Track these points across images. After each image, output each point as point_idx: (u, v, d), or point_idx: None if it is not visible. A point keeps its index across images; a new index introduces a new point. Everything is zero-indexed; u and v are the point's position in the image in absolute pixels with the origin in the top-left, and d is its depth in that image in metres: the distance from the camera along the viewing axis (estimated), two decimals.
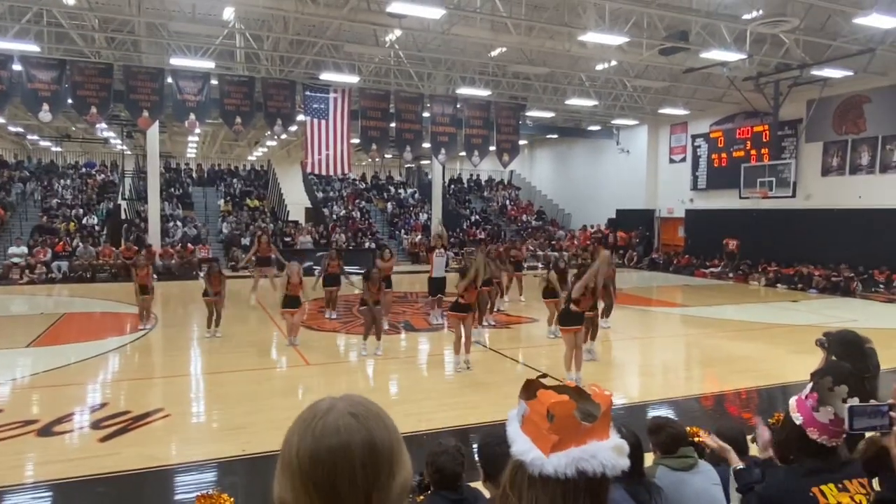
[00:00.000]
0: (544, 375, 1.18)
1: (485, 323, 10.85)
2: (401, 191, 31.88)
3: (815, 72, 17.10)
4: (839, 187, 18.99)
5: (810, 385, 1.93)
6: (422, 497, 2.77)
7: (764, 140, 21.01)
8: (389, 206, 29.53)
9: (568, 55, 17.26)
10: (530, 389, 1.14)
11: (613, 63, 18.56)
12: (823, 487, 1.77)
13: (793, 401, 1.93)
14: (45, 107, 16.03)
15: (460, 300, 8.50)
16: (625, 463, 1.08)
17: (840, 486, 1.78)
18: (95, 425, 6.11)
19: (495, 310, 12.76)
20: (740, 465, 2.14)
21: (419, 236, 26.03)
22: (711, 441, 2.27)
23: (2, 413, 6.44)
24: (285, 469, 0.98)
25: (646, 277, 22.01)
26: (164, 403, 6.78)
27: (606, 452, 1.06)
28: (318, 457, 0.94)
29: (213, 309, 10.48)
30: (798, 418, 1.87)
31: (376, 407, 1.04)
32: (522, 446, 1.09)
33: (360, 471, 0.95)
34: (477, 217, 29.81)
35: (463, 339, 8.55)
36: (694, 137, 24.25)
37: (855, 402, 1.78)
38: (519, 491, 1.11)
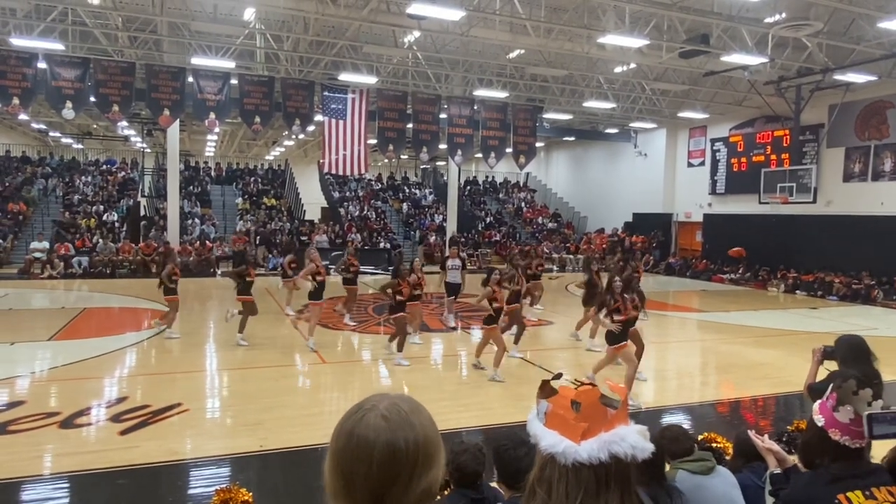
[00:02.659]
0: (559, 375, 1.22)
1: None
2: (416, 191, 31.95)
3: (838, 76, 16.89)
4: (861, 193, 18.73)
5: (831, 386, 1.91)
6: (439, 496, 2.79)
7: (784, 145, 20.77)
8: (405, 206, 29.60)
9: (586, 57, 17.21)
10: (548, 389, 1.18)
11: (632, 66, 18.47)
12: (850, 494, 1.74)
13: (816, 404, 1.93)
14: (69, 104, 16.29)
15: (494, 304, 8.12)
16: (651, 446, 1.11)
17: (867, 493, 1.75)
18: (115, 418, 6.20)
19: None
20: (777, 470, 2.12)
21: (434, 237, 26.07)
22: (759, 440, 2.25)
23: (24, 405, 6.56)
24: (329, 448, 1.10)
25: (662, 282, 21.85)
26: (183, 398, 6.86)
27: (634, 435, 1.09)
28: (346, 446, 1.05)
29: (248, 311, 9.85)
30: (820, 420, 1.86)
31: (414, 411, 1.10)
32: (551, 440, 1.11)
33: (376, 469, 1.03)
34: (492, 219, 29.78)
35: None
36: (713, 141, 24.04)
37: (876, 408, 1.77)
38: (548, 485, 1.11)
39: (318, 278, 9.56)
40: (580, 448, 1.08)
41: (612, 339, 7.48)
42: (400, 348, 8.81)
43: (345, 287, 12.26)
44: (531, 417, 1.19)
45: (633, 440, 1.08)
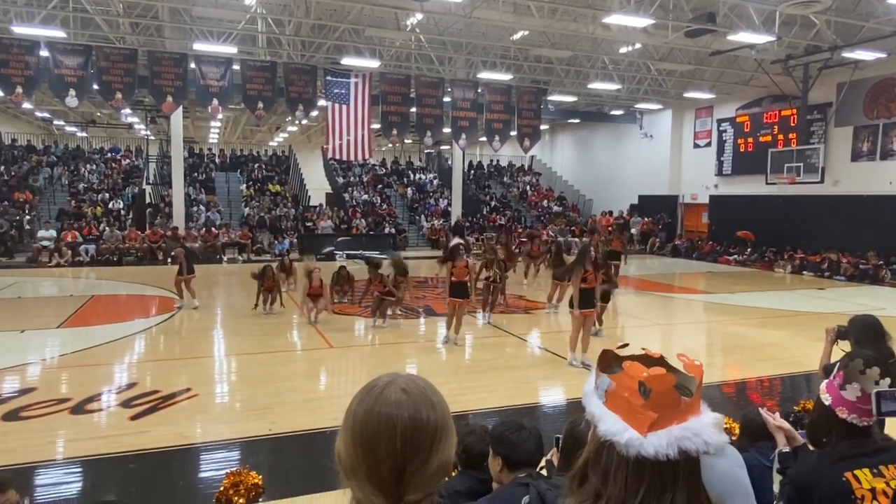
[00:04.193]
0: (625, 345, 1.12)
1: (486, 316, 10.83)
2: (421, 176, 31.88)
3: (847, 54, 16.68)
4: (869, 173, 18.57)
5: (838, 365, 1.91)
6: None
7: (792, 124, 20.58)
8: (409, 191, 29.55)
9: (591, 38, 17.04)
10: (609, 361, 1.05)
11: (638, 46, 18.29)
12: (857, 472, 1.75)
13: (823, 383, 1.93)
14: (72, 92, 16.29)
15: (452, 279, 8.84)
16: (725, 440, 1.00)
17: (875, 471, 1.75)
18: (126, 404, 6.27)
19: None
20: (786, 449, 2.13)
21: (440, 221, 26.06)
22: (770, 418, 2.24)
23: (35, 391, 6.63)
24: (345, 425, 1.10)
25: (668, 264, 21.80)
26: (192, 384, 6.92)
27: (708, 429, 0.97)
28: (368, 420, 1.06)
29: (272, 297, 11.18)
30: (827, 399, 1.86)
31: (430, 389, 1.13)
32: (612, 426, 0.99)
33: (400, 441, 1.04)
34: (497, 203, 29.71)
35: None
36: (719, 122, 23.83)
37: (883, 386, 1.77)
38: (604, 473, 1.00)
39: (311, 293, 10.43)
40: (646, 442, 0.95)
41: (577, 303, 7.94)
42: (379, 315, 10.03)
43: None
44: (587, 391, 1.06)
45: (707, 435, 0.96)
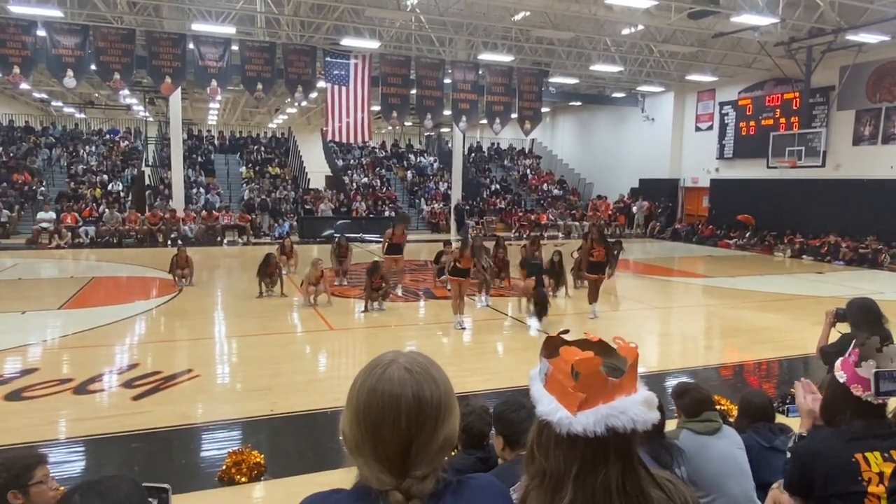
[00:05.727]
0: (566, 331, 1.16)
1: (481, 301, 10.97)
2: (421, 159, 31.75)
3: (851, 37, 16.53)
4: (871, 157, 18.50)
5: (854, 343, 1.90)
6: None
7: (794, 108, 20.47)
8: (409, 174, 29.45)
9: (593, 19, 16.89)
10: (551, 347, 1.10)
11: (640, 27, 18.12)
12: (868, 454, 1.74)
13: (839, 361, 1.91)
14: (70, 72, 16.17)
15: (457, 264, 9.02)
16: (655, 416, 1.04)
17: (886, 455, 1.75)
18: (128, 384, 6.30)
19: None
20: (805, 433, 2.11)
21: (440, 205, 25.99)
22: (803, 398, 2.16)
23: (38, 372, 6.67)
24: (349, 404, 1.11)
25: (668, 248, 21.82)
26: (193, 364, 6.96)
27: (636, 407, 1.02)
28: (372, 399, 1.07)
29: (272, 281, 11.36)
30: (842, 376, 1.85)
31: (432, 365, 1.14)
32: (548, 406, 1.06)
33: (405, 419, 1.06)
34: (497, 186, 29.62)
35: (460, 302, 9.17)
36: (721, 105, 23.70)
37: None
38: (545, 451, 1.07)
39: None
40: (575, 420, 1.02)
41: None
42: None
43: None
44: (533, 376, 1.13)
45: (633, 413, 1.02)
